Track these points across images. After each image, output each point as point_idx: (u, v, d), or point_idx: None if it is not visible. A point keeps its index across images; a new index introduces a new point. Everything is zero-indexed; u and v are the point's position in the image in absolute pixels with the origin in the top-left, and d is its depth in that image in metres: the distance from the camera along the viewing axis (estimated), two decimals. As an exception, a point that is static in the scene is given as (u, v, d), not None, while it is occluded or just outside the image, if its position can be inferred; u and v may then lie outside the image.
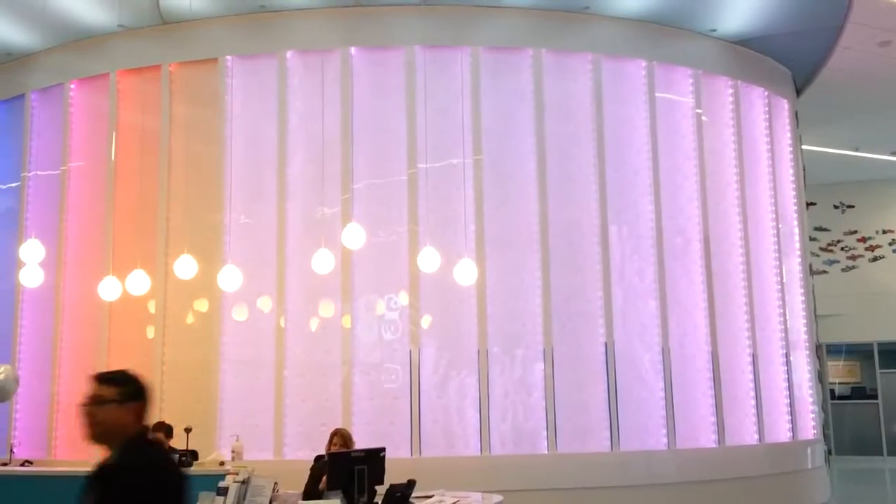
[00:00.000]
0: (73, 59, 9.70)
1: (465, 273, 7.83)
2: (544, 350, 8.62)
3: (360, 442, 7.19)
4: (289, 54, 9.03)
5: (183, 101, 9.15)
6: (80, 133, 9.65)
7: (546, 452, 8.46)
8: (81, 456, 8.85)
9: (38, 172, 9.71)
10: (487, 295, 8.61)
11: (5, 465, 7.75)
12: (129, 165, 9.25)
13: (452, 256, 8.03)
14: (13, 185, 9.97)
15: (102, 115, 9.47)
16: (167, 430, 7.54)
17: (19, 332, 9.54)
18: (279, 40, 9.07)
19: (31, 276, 7.86)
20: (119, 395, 2.82)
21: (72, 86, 9.70)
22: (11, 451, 8.46)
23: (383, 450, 6.05)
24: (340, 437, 6.81)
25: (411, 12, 9.02)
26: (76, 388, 9.16)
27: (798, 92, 11.32)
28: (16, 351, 9.50)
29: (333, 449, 6.59)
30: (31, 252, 7.76)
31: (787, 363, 9.93)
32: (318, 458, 6.70)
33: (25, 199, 9.73)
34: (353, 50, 8.98)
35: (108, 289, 7.86)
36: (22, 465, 7.88)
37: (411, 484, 6.27)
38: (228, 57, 9.11)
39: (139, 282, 7.75)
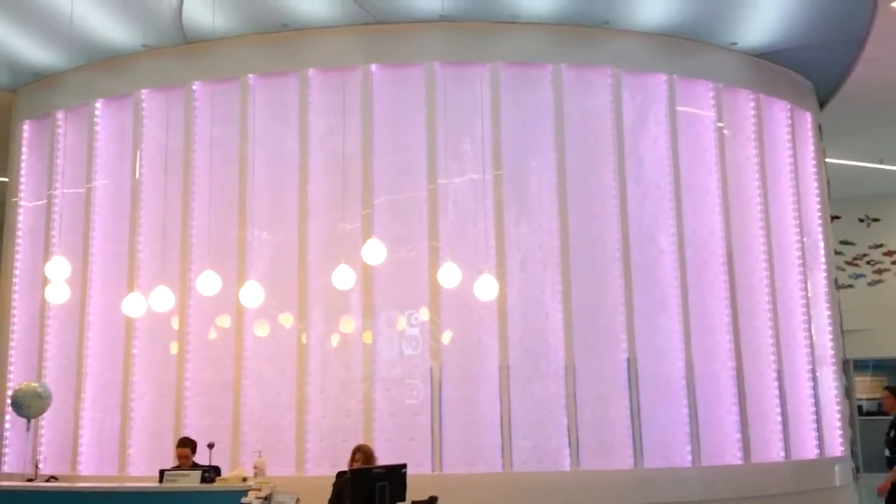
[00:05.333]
0: (99, 78, 9.84)
1: (486, 288, 7.82)
2: (566, 366, 8.58)
3: (382, 458, 7.20)
4: (310, 72, 9.10)
5: (206, 120, 9.24)
6: (105, 152, 9.77)
7: (568, 469, 8.40)
8: (106, 471, 8.95)
9: (65, 190, 9.84)
10: (508, 310, 8.59)
11: (31, 480, 7.81)
12: (153, 183, 9.36)
13: (473, 272, 8.03)
14: (40, 202, 10.11)
15: (127, 134, 9.59)
16: (192, 445, 7.58)
17: (45, 349, 9.65)
18: (301, 58, 9.15)
19: (57, 292, 7.95)
20: None
21: (97, 105, 9.83)
22: (37, 466, 8.54)
23: (404, 466, 6.06)
24: (362, 453, 6.82)
25: (431, 29, 9.07)
26: (101, 405, 9.24)
27: (821, 105, 11.23)
28: (41, 367, 9.60)
29: (355, 465, 6.60)
30: (57, 269, 7.85)
31: (814, 379, 9.80)
32: (340, 474, 6.71)
33: (51, 217, 9.86)
34: (373, 67, 9.03)
35: (132, 305, 7.93)
36: (47, 480, 7.94)
37: (433, 500, 6.27)
38: (251, 75, 9.20)
39: (162, 298, 7.82)
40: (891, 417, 7.56)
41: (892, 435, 7.07)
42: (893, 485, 6.97)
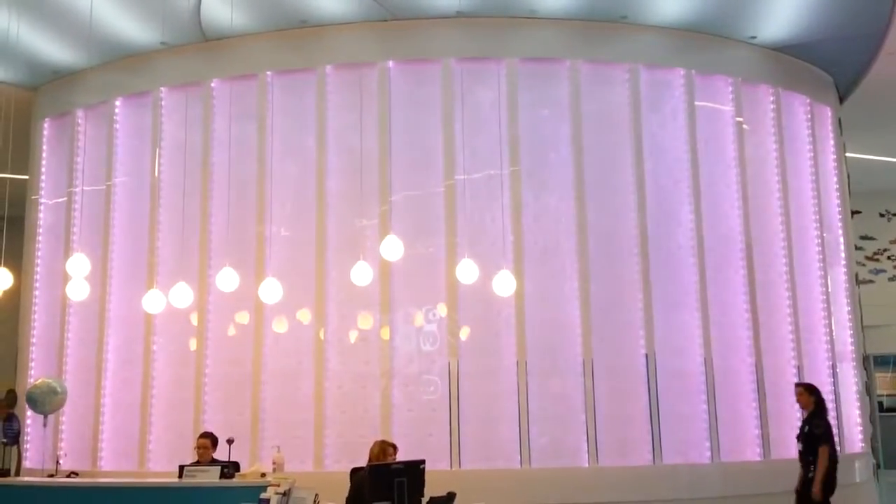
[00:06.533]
0: (119, 76, 9.90)
1: (504, 284, 7.81)
2: (584, 361, 8.56)
3: (400, 454, 7.20)
4: (328, 69, 9.12)
5: (224, 117, 9.28)
6: (124, 149, 9.84)
7: (587, 465, 8.39)
8: (126, 467, 9.02)
9: (85, 188, 9.91)
10: (526, 306, 8.58)
11: (52, 476, 7.88)
12: (173, 180, 9.41)
13: (490, 268, 8.02)
14: (60, 200, 10.19)
15: (146, 132, 9.65)
16: (212, 438, 7.62)
17: (66, 345, 9.73)
18: (318, 55, 9.17)
19: (78, 289, 8.00)
20: None
21: (117, 103, 9.89)
22: (58, 462, 8.60)
23: (423, 462, 6.05)
24: (394, 448, 6.82)
25: (448, 25, 9.07)
26: (121, 400, 9.31)
27: (841, 99, 11.13)
28: (62, 363, 9.68)
29: (390, 459, 6.60)
30: (78, 266, 7.89)
31: (834, 375, 9.73)
32: (355, 471, 6.70)
33: (72, 214, 9.93)
34: (390, 63, 9.04)
35: (152, 302, 7.97)
36: (68, 476, 8.00)
37: (451, 496, 6.26)
38: (269, 72, 9.23)
39: (182, 295, 7.85)
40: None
41: (806, 430, 7.12)
42: (809, 481, 6.99)
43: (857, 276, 11.08)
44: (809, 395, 7.28)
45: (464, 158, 8.76)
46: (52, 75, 10.31)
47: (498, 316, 8.61)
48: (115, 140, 9.82)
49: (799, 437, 7.28)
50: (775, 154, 9.75)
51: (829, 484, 7.01)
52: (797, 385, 7.58)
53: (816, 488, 6.92)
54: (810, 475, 7.07)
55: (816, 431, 7.05)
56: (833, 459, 7.03)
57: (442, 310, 8.61)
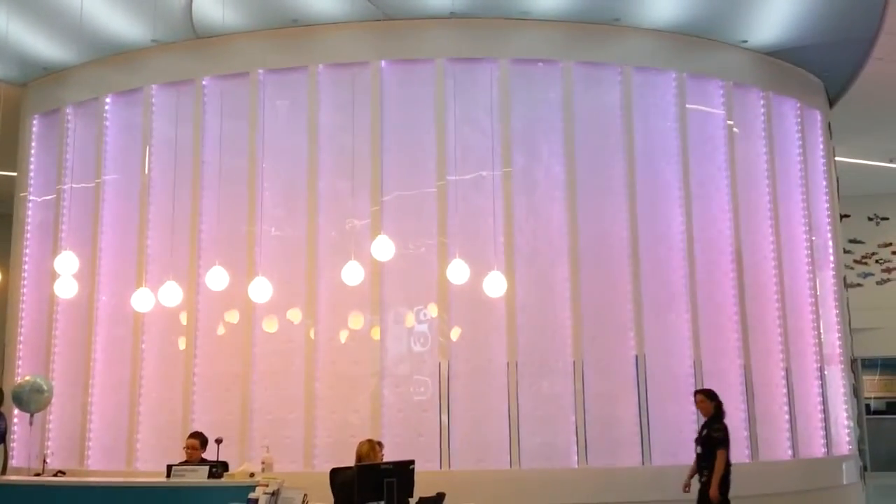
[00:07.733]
0: (109, 73, 9.85)
1: (495, 285, 7.82)
2: (574, 362, 8.57)
3: (389, 454, 7.20)
4: (320, 68, 9.10)
5: (215, 115, 9.25)
6: (114, 146, 9.79)
7: (576, 466, 8.40)
8: (114, 466, 8.97)
9: (74, 185, 9.86)
10: (517, 307, 8.59)
11: (38, 475, 7.83)
12: (163, 178, 9.37)
13: (482, 268, 8.02)
14: (49, 197, 10.13)
15: (136, 129, 9.60)
16: (201, 438, 7.58)
17: (53, 343, 9.67)
18: (310, 54, 9.15)
19: (66, 287, 7.96)
20: None
21: (107, 100, 9.84)
22: (45, 461, 8.55)
23: (412, 462, 6.04)
24: (382, 446, 6.80)
25: (441, 25, 9.06)
26: (109, 399, 9.27)
27: (831, 103, 11.19)
28: (49, 361, 9.62)
29: (380, 457, 6.58)
30: (66, 264, 7.86)
31: (822, 377, 9.78)
32: (335, 472, 6.61)
33: (61, 212, 9.87)
34: (383, 63, 9.03)
35: (141, 300, 7.94)
36: (55, 475, 7.96)
37: (441, 497, 6.27)
38: (260, 70, 9.20)
39: (171, 293, 7.82)
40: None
41: (704, 434, 7.32)
42: (704, 484, 7.10)
43: (845, 279, 11.15)
44: (710, 400, 7.45)
45: (456, 159, 8.76)
46: (41, 71, 10.24)
47: (489, 317, 8.61)
48: (105, 137, 9.77)
49: (697, 441, 7.39)
50: (765, 157, 9.79)
51: (726, 485, 7.15)
52: (697, 392, 7.73)
53: (713, 489, 7.04)
54: (703, 479, 7.16)
55: (716, 435, 7.20)
56: (728, 463, 7.18)
57: (433, 310, 8.61)
